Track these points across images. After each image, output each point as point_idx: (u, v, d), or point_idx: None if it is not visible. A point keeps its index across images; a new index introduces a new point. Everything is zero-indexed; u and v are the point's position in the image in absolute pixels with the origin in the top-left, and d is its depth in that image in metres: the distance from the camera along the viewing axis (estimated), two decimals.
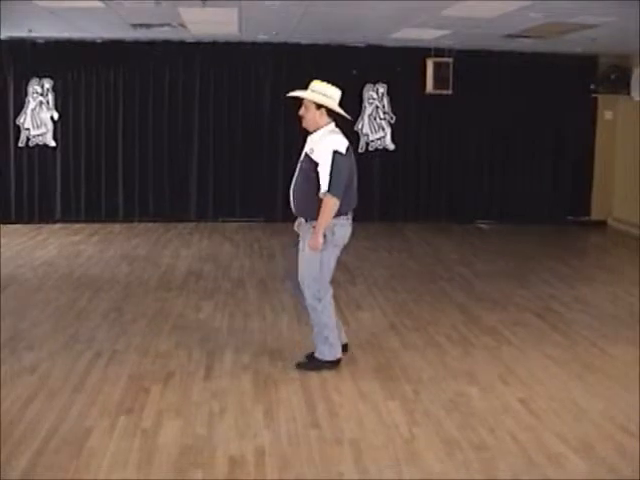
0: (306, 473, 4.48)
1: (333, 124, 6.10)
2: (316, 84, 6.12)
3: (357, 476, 4.44)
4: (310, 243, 5.98)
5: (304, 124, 6.16)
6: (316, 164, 5.94)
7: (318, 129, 6.08)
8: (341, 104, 6.13)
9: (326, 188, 5.89)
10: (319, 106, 6.04)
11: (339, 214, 5.97)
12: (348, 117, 6.14)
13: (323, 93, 6.06)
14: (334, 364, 6.20)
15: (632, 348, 7.00)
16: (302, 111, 6.13)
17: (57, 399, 5.51)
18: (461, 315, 8.02)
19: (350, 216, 6.14)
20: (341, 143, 5.95)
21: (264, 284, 9.24)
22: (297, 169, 6.16)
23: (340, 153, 5.90)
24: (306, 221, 6.12)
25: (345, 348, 6.40)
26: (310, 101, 6.07)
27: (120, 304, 8.24)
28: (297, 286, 6.25)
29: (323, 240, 5.95)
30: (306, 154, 6.08)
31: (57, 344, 6.79)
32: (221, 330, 7.34)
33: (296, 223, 6.31)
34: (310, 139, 6.14)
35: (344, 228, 6.08)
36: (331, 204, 5.89)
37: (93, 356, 6.49)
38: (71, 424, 5.09)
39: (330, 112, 6.09)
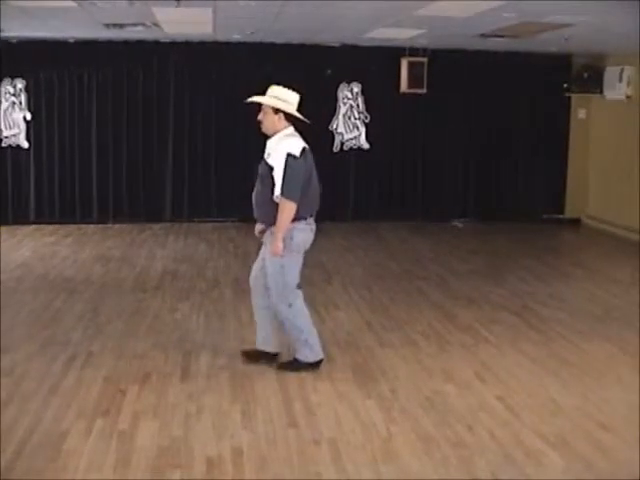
0: (284, 473, 4.48)
1: (291, 128, 6.11)
2: (274, 89, 6.16)
3: (335, 475, 4.45)
4: (270, 249, 5.96)
5: (263, 129, 6.17)
6: (272, 168, 5.95)
7: (276, 133, 6.08)
8: (306, 106, 6.15)
9: (279, 192, 5.89)
10: (277, 111, 6.04)
11: (297, 218, 5.94)
12: (306, 121, 6.15)
13: (281, 98, 6.07)
14: (316, 365, 6.20)
15: (607, 344, 7.07)
16: (260, 116, 6.14)
17: (32, 402, 5.48)
18: (437, 313, 8.05)
19: (311, 220, 6.11)
20: (296, 146, 5.95)
21: (239, 284, 9.17)
22: (257, 175, 6.12)
23: (294, 156, 5.90)
24: (267, 227, 6.10)
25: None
26: (268, 106, 6.06)
27: (95, 305, 8.20)
28: (258, 294, 6.25)
29: (283, 245, 5.92)
30: (263, 159, 6.08)
31: (33, 346, 6.75)
32: (197, 331, 7.32)
33: (257, 228, 6.29)
34: (268, 144, 6.13)
35: (303, 233, 6.06)
36: (287, 208, 5.87)
37: (69, 358, 6.45)
38: (47, 427, 5.07)
39: (289, 116, 6.08)
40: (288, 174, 5.88)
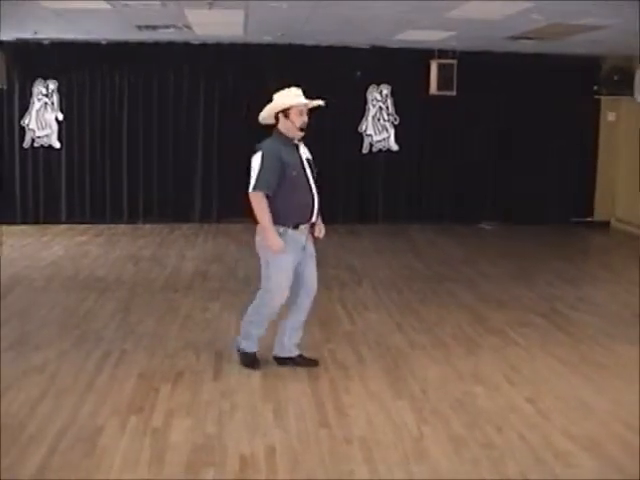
0: (317, 472, 4.52)
1: None
2: (296, 89, 6.14)
3: (367, 474, 4.48)
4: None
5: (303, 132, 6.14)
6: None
7: None
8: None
9: None
10: None
11: None
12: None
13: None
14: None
15: (637, 347, 7.03)
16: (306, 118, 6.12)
17: (67, 398, 5.55)
18: (467, 315, 8.06)
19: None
20: None
21: None
22: (313, 177, 6.09)
23: None
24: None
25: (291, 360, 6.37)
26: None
27: (127, 304, 8.29)
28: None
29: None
30: (309, 162, 6.11)
31: (65, 344, 6.84)
32: (228, 330, 7.37)
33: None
34: (301, 147, 6.13)
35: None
36: None
37: (102, 356, 6.53)
38: (82, 423, 5.13)
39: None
40: None
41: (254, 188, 5.93)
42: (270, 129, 6.09)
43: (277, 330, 6.37)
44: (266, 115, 6.08)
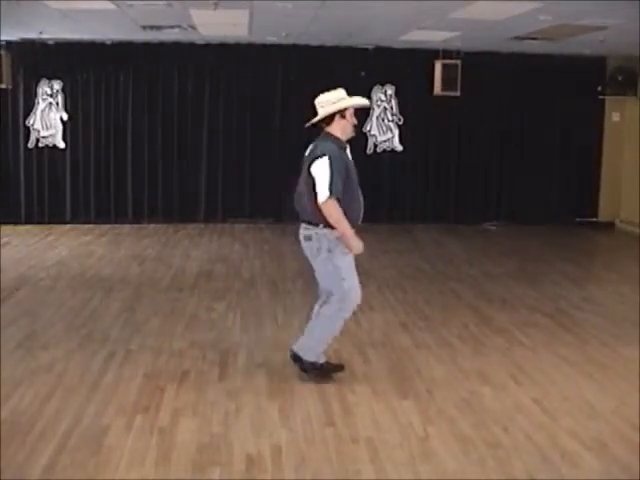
0: (323, 471, 4.53)
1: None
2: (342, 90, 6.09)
3: (374, 474, 4.48)
4: None
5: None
6: None
7: None
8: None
9: None
10: None
11: None
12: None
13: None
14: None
15: None
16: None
17: (74, 397, 5.57)
18: (472, 315, 8.07)
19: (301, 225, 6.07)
20: None
21: (275, 284, 9.30)
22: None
23: None
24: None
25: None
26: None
27: (133, 304, 8.30)
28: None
29: None
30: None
31: (72, 343, 6.86)
32: (234, 330, 7.40)
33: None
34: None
35: None
36: None
37: (108, 355, 6.55)
38: (89, 422, 5.15)
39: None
40: None
41: (330, 194, 5.72)
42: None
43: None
44: (324, 116, 5.96)
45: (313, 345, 6.05)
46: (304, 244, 6.01)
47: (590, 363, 6.60)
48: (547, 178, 14.36)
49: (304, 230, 5.97)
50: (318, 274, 6.06)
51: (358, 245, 5.80)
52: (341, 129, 5.96)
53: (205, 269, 10.15)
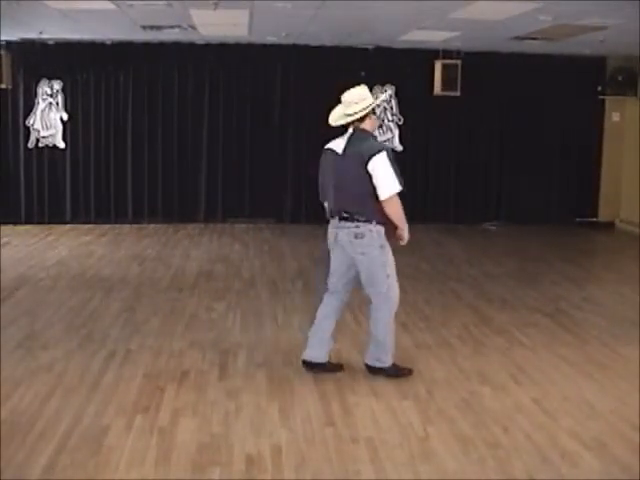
0: (323, 471, 4.52)
1: (350, 129, 6.02)
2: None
3: (374, 474, 4.48)
4: None
5: None
6: None
7: None
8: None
9: None
10: None
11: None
12: (336, 125, 6.06)
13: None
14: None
15: None
16: None
17: (74, 397, 5.57)
18: (472, 315, 8.07)
19: (333, 221, 6.03)
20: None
21: (275, 285, 9.30)
22: None
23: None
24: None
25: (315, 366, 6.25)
26: None
27: (132, 304, 8.30)
28: None
29: None
30: None
31: (72, 343, 6.86)
32: (234, 330, 7.40)
33: None
34: None
35: (328, 233, 6.11)
36: None
37: (107, 355, 6.55)
38: (89, 422, 5.15)
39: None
40: None
41: (397, 188, 5.90)
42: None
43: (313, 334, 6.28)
44: (361, 114, 5.91)
45: (387, 350, 6.08)
46: (353, 242, 5.91)
47: (590, 363, 6.60)
48: (547, 178, 14.36)
49: (354, 229, 5.89)
50: (364, 273, 5.98)
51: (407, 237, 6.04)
52: (371, 126, 6.01)
53: (205, 269, 10.15)
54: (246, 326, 7.54)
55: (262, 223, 13.74)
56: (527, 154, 14.28)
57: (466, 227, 13.82)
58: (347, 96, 5.96)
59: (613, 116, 14.51)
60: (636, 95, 13.71)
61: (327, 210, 6.12)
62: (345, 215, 5.92)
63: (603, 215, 14.60)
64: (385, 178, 5.81)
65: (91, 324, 7.51)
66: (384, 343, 6.06)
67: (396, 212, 5.93)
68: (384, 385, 5.94)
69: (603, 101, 14.31)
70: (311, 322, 6.29)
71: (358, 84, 6.10)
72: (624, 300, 8.92)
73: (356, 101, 5.93)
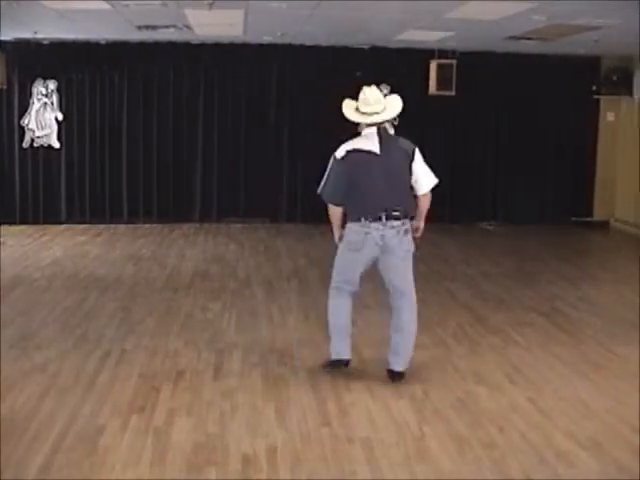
0: (319, 471, 4.52)
1: (366, 130, 6.08)
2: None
3: (370, 474, 4.48)
4: None
5: None
6: None
7: None
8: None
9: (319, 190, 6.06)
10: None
11: (351, 220, 5.97)
12: (354, 121, 6.11)
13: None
14: (330, 365, 6.18)
15: (637, 347, 7.03)
16: None
17: (69, 398, 5.55)
18: (467, 315, 8.07)
19: (367, 223, 5.88)
20: (342, 148, 5.98)
21: (270, 284, 9.29)
22: None
23: (334, 157, 5.98)
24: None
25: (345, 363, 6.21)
26: None
27: (127, 304, 8.29)
28: None
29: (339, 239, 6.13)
30: None
31: (67, 343, 6.85)
32: (229, 330, 7.39)
33: None
34: None
35: (355, 235, 5.95)
36: (329, 207, 6.09)
37: (103, 355, 6.53)
38: (84, 422, 5.13)
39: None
40: (326, 174, 6.02)
41: (436, 180, 6.25)
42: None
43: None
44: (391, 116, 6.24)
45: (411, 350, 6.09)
46: (403, 240, 5.94)
47: (585, 362, 6.60)
48: (542, 178, 14.37)
49: (402, 225, 5.93)
50: (402, 271, 6.01)
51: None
52: (389, 127, 6.15)
53: (200, 269, 10.14)
54: (241, 326, 7.53)
55: (257, 223, 13.73)
56: (522, 154, 14.28)
57: (462, 227, 13.82)
58: (370, 95, 6.12)
59: (608, 116, 14.53)
60: (631, 95, 13.73)
61: (364, 212, 5.89)
62: (395, 214, 5.90)
63: (598, 215, 14.62)
64: (425, 171, 6.08)
65: (86, 324, 7.49)
66: (410, 343, 6.05)
67: (428, 205, 6.17)
68: (380, 385, 5.93)
69: (598, 101, 14.32)
70: (323, 323, 6.31)
71: (357, 85, 6.16)
72: (620, 299, 8.93)
73: (380, 102, 6.12)
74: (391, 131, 6.20)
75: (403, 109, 6.24)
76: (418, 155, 6.07)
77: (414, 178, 6.02)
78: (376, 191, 5.90)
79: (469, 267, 10.54)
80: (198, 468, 4.52)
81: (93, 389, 5.75)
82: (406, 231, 5.96)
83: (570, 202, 14.53)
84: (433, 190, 6.25)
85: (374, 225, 5.89)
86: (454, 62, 13.10)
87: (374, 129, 6.01)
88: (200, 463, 4.58)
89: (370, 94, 6.00)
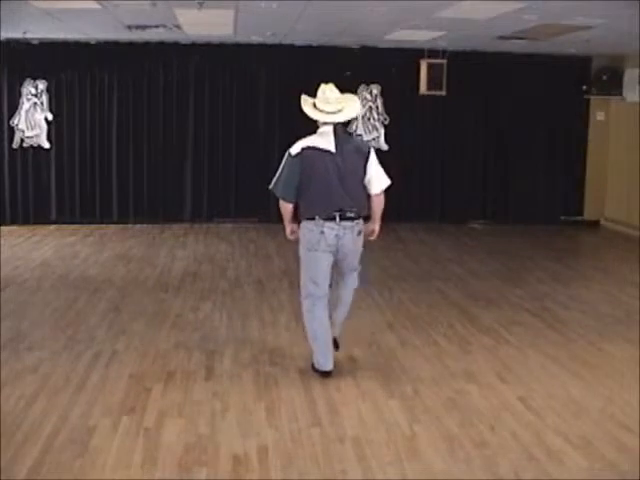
0: (310, 471, 4.52)
1: (322, 128, 5.99)
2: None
3: (361, 473, 4.48)
4: None
5: None
6: None
7: None
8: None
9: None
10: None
11: (305, 218, 5.98)
12: (313, 118, 6.03)
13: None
14: (321, 374, 6.10)
15: (628, 346, 7.07)
16: None
17: (59, 399, 5.54)
18: (458, 314, 8.08)
19: (321, 222, 5.88)
20: (297, 145, 5.94)
21: (261, 284, 9.29)
22: None
23: (289, 154, 5.97)
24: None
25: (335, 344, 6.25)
26: None
27: (118, 304, 8.27)
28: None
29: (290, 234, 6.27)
30: None
31: (57, 344, 6.83)
32: (220, 330, 7.38)
33: None
34: None
35: (311, 233, 5.94)
36: (280, 203, 6.12)
37: (93, 356, 6.52)
38: (74, 423, 5.12)
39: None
40: (279, 170, 6.05)
41: (388, 182, 6.30)
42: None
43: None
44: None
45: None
46: (356, 239, 6.04)
47: (576, 361, 6.62)
48: (533, 177, 14.39)
49: (357, 226, 6.01)
50: (351, 262, 6.22)
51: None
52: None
53: (191, 269, 10.13)
54: (232, 326, 7.52)
55: (248, 223, 13.72)
56: (513, 153, 14.31)
57: (452, 226, 13.83)
58: (330, 94, 5.98)
59: (598, 115, 14.55)
60: (621, 95, 13.76)
61: (318, 211, 5.90)
62: (350, 214, 5.93)
63: (588, 214, 14.65)
64: (379, 172, 6.06)
65: (76, 325, 7.48)
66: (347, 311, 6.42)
67: (382, 206, 6.16)
68: (370, 384, 5.94)
69: (588, 100, 14.34)
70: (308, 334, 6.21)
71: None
72: (609, 298, 8.95)
73: (340, 101, 5.99)
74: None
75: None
76: (373, 156, 6.03)
77: (367, 178, 6.01)
78: (330, 190, 5.89)
79: (459, 266, 10.54)
80: (189, 468, 4.52)
81: (84, 390, 5.74)
82: (359, 232, 6.01)
83: (560, 201, 14.56)
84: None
85: (328, 224, 5.89)
86: (444, 62, 13.11)
87: (330, 127, 5.95)
88: (191, 463, 4.58)
89: (330, 93, 5.96)
